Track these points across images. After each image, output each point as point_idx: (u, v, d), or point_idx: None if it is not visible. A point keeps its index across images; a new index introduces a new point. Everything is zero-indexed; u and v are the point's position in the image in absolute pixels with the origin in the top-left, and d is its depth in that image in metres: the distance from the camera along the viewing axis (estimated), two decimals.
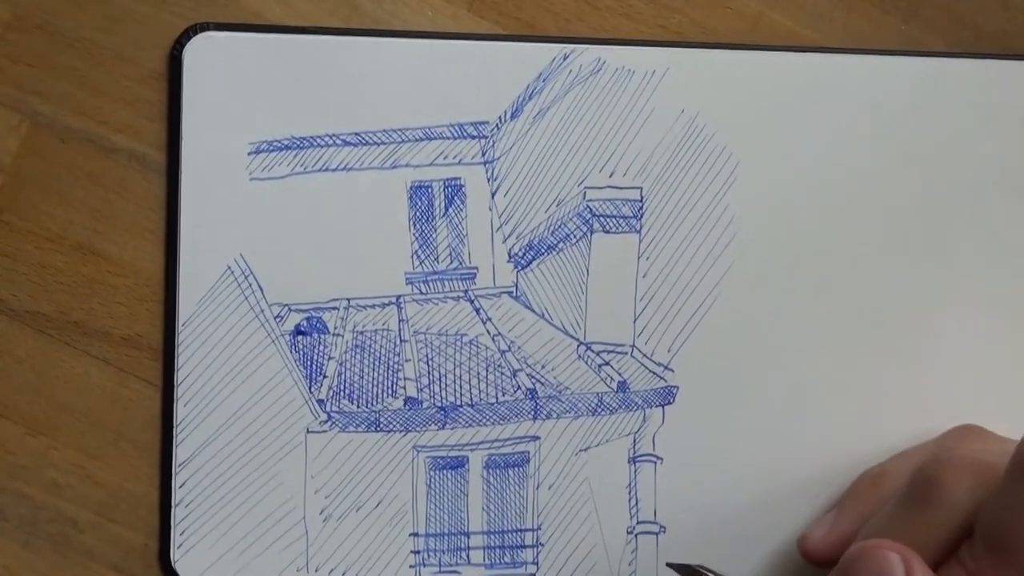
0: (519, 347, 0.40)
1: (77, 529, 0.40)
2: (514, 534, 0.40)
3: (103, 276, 0.40)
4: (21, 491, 0.40)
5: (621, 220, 0.40)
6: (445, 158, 0.40)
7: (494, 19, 0.41)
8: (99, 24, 0.40)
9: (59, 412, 0.40)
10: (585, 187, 0.40)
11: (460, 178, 0.40)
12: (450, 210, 0.40)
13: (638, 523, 0.40)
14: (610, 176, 0.40)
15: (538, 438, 0.40)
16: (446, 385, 0.40)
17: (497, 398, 0.40)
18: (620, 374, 0.40)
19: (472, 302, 0.40)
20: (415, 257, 0.40)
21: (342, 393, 0.40)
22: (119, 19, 0.40)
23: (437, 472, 0.40)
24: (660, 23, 0.41)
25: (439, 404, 0.40)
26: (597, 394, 0.40)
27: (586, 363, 0.40)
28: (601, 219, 0.40)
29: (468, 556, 0.40)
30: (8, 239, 0.40)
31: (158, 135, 0.40)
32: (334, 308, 0.40)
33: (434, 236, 0.40)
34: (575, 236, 0.40)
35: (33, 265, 0.40)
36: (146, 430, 0.40)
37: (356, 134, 0.40)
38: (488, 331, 0.40)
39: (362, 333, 0.40)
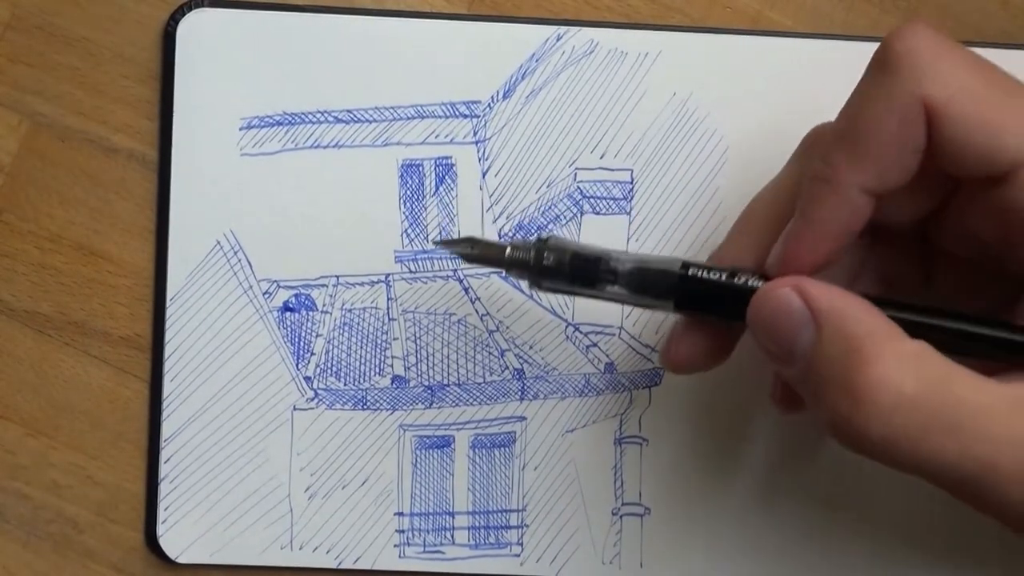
0: (507, 327, 0.40)
1: (77, 529, 0.40)
2: (499, 514, 0.40)
3: (103, 276, 0.40)
4: (21, 491, 0.40)
5: (611, 202, 0.40)
6: (436, 137, 0.40)
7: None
8: (99, 24, 0.40)
9: (59, 412, 0.40)
10: (576, 168, 0.40)
11: (451, 157, 0.40)
12: (441, 189, 0.40)
13: (623, 505, 0.40)
14: (601, 158, 0.40)
15: (524, 419, 0.40)
16: (433, 364, 0.40)
17: (484, 378, 0.40)
18: (607, 355, 0.40)
19: (461, 281, 0.40)
20: (405, 235, 0.40)
21: (329, 371, 0.40)
22: (119, 19, 0.40)
23: (423, 451, 0.40)
24: (659, 23, 0.41)
25: (426, 383, 0.40)
26: (584, 375, 0.40)
27: (574, 344, 0.40)
28: (591, 200, 0.40)
29: (453, 536, 0.40)
30: (8, 239, 0.40)
31: (157, 135, 0.40)
32: (323, 285, 0.40)
33: (424, 215, 0.40)
34: (565, 217, 0.40)
35: (33, 265, 0.40)
36: (146, 430, 0.40)
37: (348, 111, 0.40)
38: (476, 311, 0.40)
39: (350, 311, 0.40)
